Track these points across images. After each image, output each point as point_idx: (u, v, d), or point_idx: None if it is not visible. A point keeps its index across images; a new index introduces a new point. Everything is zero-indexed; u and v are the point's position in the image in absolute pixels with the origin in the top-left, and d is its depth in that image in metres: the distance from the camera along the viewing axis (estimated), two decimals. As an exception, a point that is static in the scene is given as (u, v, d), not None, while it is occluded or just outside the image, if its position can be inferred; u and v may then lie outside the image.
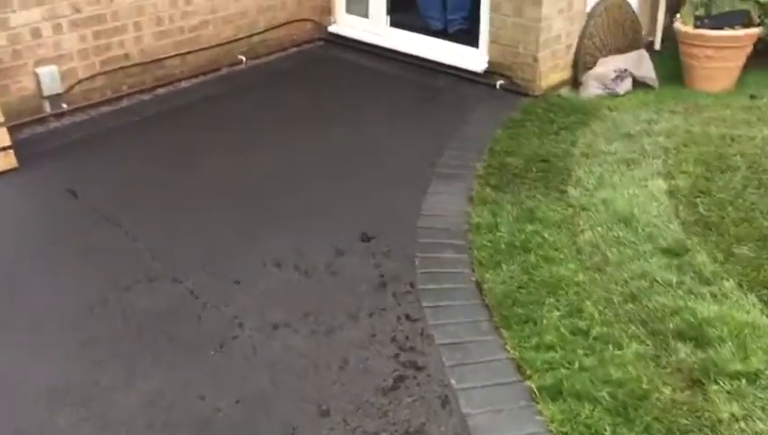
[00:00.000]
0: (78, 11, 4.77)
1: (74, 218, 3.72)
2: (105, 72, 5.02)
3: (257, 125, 4.72)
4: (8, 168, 4.18)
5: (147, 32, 5.16)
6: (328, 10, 6.17)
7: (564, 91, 5.13)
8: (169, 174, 4.13)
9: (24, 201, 3.96)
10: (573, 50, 5.13)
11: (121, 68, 5.09)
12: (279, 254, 3.29)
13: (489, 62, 5.13)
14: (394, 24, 5.88)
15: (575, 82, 5.20)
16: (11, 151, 4.20)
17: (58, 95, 4.79)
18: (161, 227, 3.59)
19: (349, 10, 6.14)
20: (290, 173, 4.06)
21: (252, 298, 3.02)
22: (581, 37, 5.13)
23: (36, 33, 4.62)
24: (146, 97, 5.21)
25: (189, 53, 5.43)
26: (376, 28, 5.89)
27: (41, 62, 4.69)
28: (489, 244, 3.21)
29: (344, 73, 5.60)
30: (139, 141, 4.56)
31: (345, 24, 6.13)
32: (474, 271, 3.07)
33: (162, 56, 5.29)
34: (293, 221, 3.59)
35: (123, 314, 2.96)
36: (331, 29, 6.17)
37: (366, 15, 5.98)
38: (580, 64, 5.15)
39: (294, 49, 6.09)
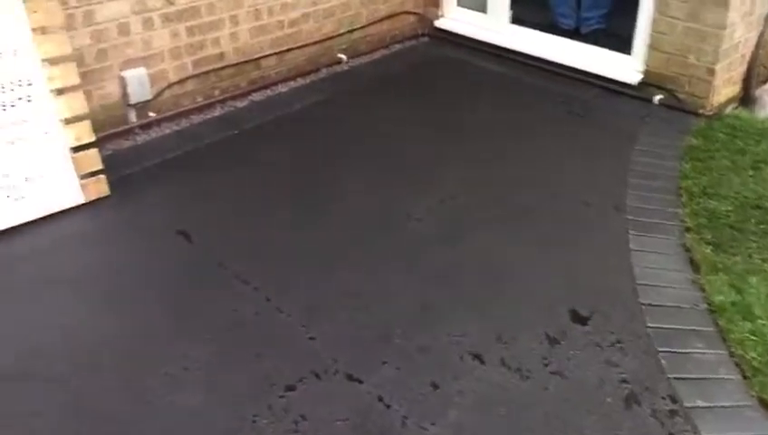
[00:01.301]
0: (171, 3, 4.00)
1: (195, 275, 2.98)
2: (197, 75, 4.26)
3: (377, 145, 3.97)
4: (99, 196, 3.46)
5: (244, 27, 4.40)
6: (435, 2, 5.37)
7: (734, 109, 4.37)
8: (295, 211, 3.39)
9: (125, 246, 3.21)
10: (747, 60, 4.36)
11: (214, 69, 4.34)
12: (473, 339, 2.56)
13: (645, 72, 4.37)
14: (515, 20, 5.11)
15: (745, 99, 4.43)
16: (102, 177, 3.48)
17: (145, 102, 4.05)
18: (309, 291, 2.85)
19: (460, 2, 5.35)
20: (444, 217, 3.32)
21: (462, 411, 2.29)
22: (757, 46, 4.35)
23: (124, 30, 3.87)
24: (241, 103, 4.47)
25: (288, 51, 4.67)
26: (494, 24, 5.10)
27: (128, 63, 3.93)
28: (753, 338, 2.48)
29: (461, 77, 4.82)
30: (247, 162, 3.83)
31: (455, 19, 5.34)
32: (747, 378, 2.35)
33: (259, 55, 4.53)
34: (470, 287, 2.84)
35: (296, 426, 2.25)
36: (438, 23, 5.37)
37: (482, 9, 5.19)
38: (754, 77, 4.38)
39: (397, 46, 5.30)
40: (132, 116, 4.04)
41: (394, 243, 3.14)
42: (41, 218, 3.28)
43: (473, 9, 5.25)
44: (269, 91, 4.60)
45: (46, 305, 2.82)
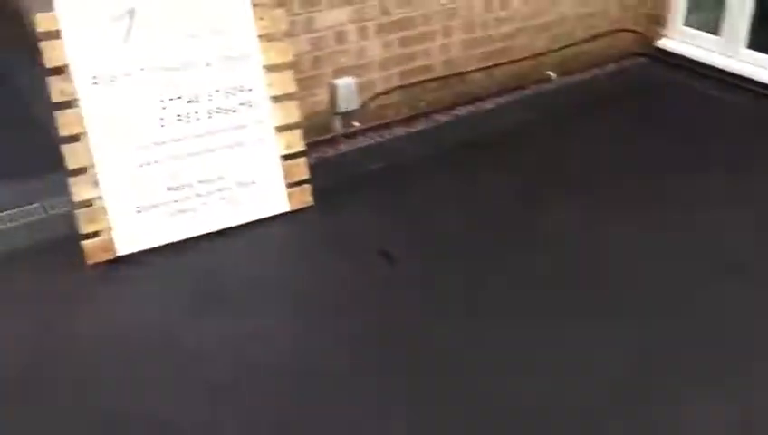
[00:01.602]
0: (387, 13, 3.93)
1: (396, 301, 2.87)
2: (403, 86, 4.16)
3: (591, 174, 3.65)
4: (302, 205, 3.44)
5: (455, 39, 4.24)
6: (658, 20, 4.93)
7: None
8: (502, 240, 3.17)
9: (325, 260, 3.13)
10: None
11: (421, 82, 4.22)
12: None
13: None
14: (752, 44, 4.55)
15: None
16: (307, 186, 3.46)
17: (351, 111, 4.01)
18: (513, 324, 2.66)
19: (687, 21, 4.87)
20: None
21: None
22: None
23: (341, 38, 3.84)
24: (444, 118, 4.31)
25: (496, 66, 4.46)
26: (728, 48, 4.58)
27: (340, 72, 3.91)
28: None
29: (688, 104, 4.35)
30: (450, 180, 3.66)
31: (681, 40, 4.86)
32: None
33: (467, 69, 4.36)
34: None
35: None
36: (661, 44, 4.92)
37: (714, 31, 4.68)
38: None
39: (612, 65, 4.91)
40: (337, 125, 4.02)
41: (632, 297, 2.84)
42: (249, 223, 3.31)
43: (703, 29, 4.76)
44: (473, 107, 4.41)
45: (255, 312, 2.82)
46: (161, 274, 3.04)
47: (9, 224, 3.39)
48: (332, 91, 3.91)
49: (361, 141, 4.05)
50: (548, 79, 4.68)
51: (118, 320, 2.81)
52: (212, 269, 3.07)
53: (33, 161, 3.89)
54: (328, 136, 3.97)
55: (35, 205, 3.52)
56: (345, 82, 3.91)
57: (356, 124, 4.06)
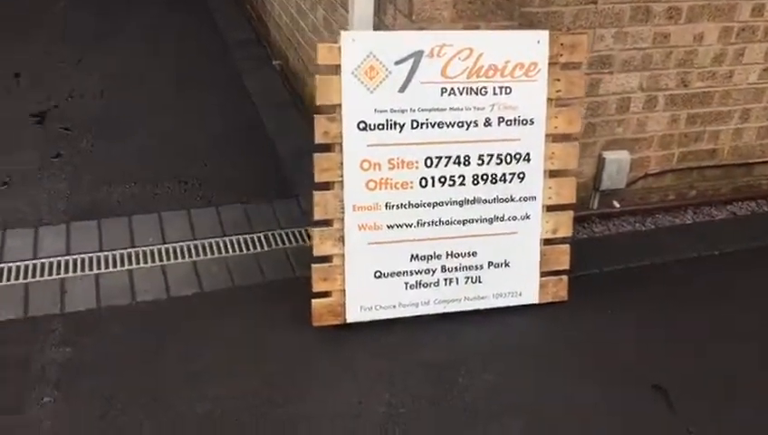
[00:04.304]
0: (686, 84, 3.32)
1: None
2: (678, 170, 3.53)
3: None
4: (553, 300, 2.92)
5: (752, 125, 3.54)
6: None
7: None
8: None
9: (578, 382, 2.58)
10: None
11: (699, 167, 3.57)
12: None
13: None
14: None
15: None
16: (565, 278, 2.93)
17: (614, 190, 3.44)
18: None
19: None
20: None
21: None
22: None
23: (623, 106, 3.27)
24: (718, 213, 3.62)
25: (793, 161, 3.73)
26: None
27: (612, 143, 3.35)
28: None
29: None
30: (729, 299, 2.99)
31: None
32: None
33: (756, 160, 3.66)
34: None
35: None
36: None
37: None
38: None
39: None
40: (595, 202, 3.46)
41: None
42: (491, 309, 2.85)
43: None
44: (754, 205, 3.70)
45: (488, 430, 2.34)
46: (390, 354, 2.62)
47: (232, 252, 3.14)
48: (599, 164, 3.35)
49: (619, 226, 3.46)
50: None
51: (340, 400, 2.43)
52: (444, 361, 2.61)
53: (260, 182, 3.68)
54: (582, 213, 3.41)
55: (260, 233, 3.28)
56: (616, 156, 3.34)
57: (616, 205, 3.47)
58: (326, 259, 2.67)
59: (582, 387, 2.54)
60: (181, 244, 3.18)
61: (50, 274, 2.94)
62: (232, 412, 2.35)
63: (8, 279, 2.89)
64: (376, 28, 3.01)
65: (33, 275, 2.92)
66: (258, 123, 4.26)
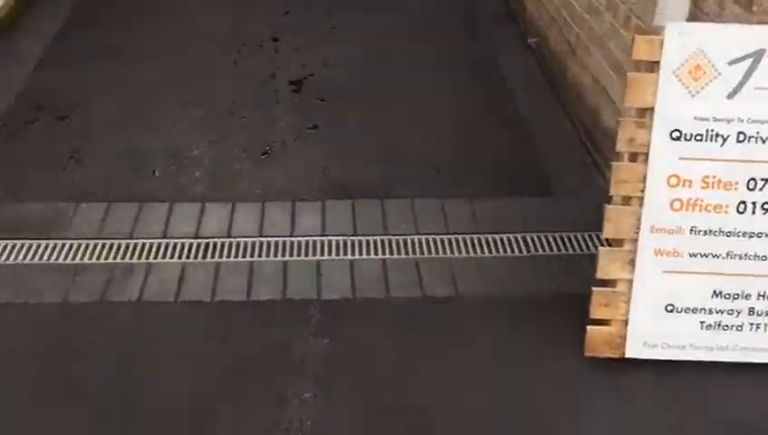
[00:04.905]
0: None
1: None
2: None
3: None
4: None
5: None
6: None
7: None
8: None
9: None
10: None
11: None
12: None
13: None
14: None
15: None
16: None
17: None
18: None
19: None
20: None
21: None
22: None
23: None
24: None
25: None
26: None
27: None
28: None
29: None
30: None
31: None
32: None
33: None
34: None
35: None
36: None
37: None
38: None
39: None
40: None
41: None
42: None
43: None
44: None
45: None
46: (679, 404, 2.25)
47: (488, 253, 2.91)
48: None
49: None
50: None
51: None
52: (745, 421, 2.20)
53: (515, 175, 3.41)
54: None
55: (516, 234, 3.01)
56: None
57: None
58: (610, 283, 2.33)
59: None
60: (434, 236, 3.00)
61: (306, 254, 2.89)
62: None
63: (267, 255, 2.89)
64: (691, 18, 2.57)
65: (291, 254, 2.89)
66: (512, 107, 3.96)
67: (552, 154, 3.53)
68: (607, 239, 2.33)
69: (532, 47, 4.58)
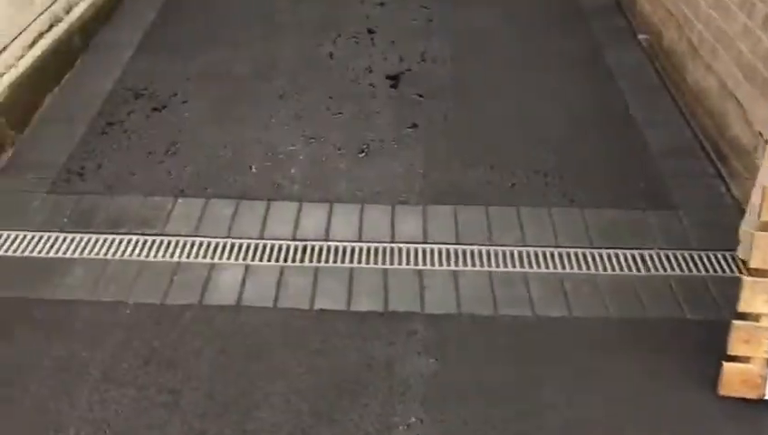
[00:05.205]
0: None
1: None
2: None
3: None
4: None
5: None
6: None
7: None
8: None
9: None
10: None
11: None
12: None
13: None
14: None
15: None
16: None
17: None
18: None
19: None
20: None
21: None
22: None
23: None
24: None
25: None
26: None
27: None
28: None
29: None
30: None
31: None
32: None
33: None
34: None
35: None
36: None
37: None
38: None
39: None
40: None
41: None
42: None
43: None
44: None
45: None
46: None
47: (602, 271, 2.70)
48: None
49: None
50: None
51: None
52: None
53: (629, 184, 3.17)
54: None
55: (634, 250, 2.79)
56: None
57: None
58: (753, 317, 2.11)
59: None
60: (544, 249, 2.81)
61: (407, 262, 2.75)
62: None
63: (367, 262, 2.76)
64: None
65: (392, 262, 2.75)
66: (623, 110, 3.70)
67: (670, 162, 3.27)
68: (753, 269, 2.10)
69: (642, 44, 4.30)
